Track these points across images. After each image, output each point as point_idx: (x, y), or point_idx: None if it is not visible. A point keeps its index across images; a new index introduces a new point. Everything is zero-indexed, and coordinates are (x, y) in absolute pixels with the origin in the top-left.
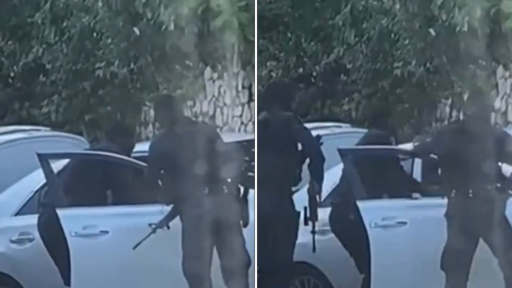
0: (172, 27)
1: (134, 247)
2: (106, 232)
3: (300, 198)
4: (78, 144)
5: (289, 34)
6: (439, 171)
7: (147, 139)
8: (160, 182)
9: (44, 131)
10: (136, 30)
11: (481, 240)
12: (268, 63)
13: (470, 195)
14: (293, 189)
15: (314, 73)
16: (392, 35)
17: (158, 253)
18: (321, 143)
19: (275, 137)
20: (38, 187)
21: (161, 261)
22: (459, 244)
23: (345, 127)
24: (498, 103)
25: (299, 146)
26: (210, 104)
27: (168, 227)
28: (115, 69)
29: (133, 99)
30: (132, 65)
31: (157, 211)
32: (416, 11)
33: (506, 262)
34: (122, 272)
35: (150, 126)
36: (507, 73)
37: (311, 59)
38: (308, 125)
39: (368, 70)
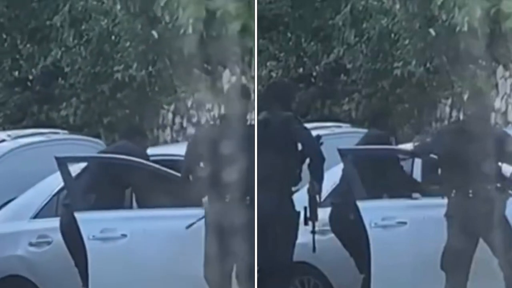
0: (190, 30)
1: (187, 227)
2: (125, 235)
3: (300, 198)
4: (96, 147)
5: (289, 34)
6: (439, 171)
7: (165, 142)
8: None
9: (63, 134)
10: (154, 33)
11: (481, 240)
12: (268, 63)
13: (470, 195)
14: (293, 189)
15: (314, 73)
16: (392, 35)
17: (176, 257)
18: (321, 143)
19: (275, 137)
20: (56, 190)
21: (179, 265)
22: (459, 244)
23: (345, 127)
24: (498, 103)
25: (299, 146)
26: None
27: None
28: (133, 72)
29: (151, 102)
30: (150, 68)
31: (176, 214)
32: (416, 11)
33: (506, 262)
34: (140, 275)
35: (168, 129)
36: (507, 73)
37: (311, 59)
38: (308, 125)
39: (368, 70)
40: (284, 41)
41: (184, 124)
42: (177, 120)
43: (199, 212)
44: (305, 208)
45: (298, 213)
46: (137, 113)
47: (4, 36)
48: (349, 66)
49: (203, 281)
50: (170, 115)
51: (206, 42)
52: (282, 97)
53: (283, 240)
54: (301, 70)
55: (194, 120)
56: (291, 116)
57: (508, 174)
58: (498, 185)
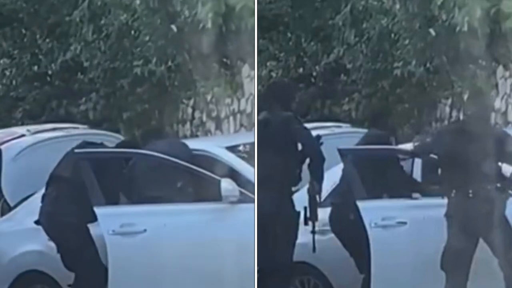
0: (210, 25)
1: None
2: (145, 230)
3: (300, 198)
4: (115, 142)
5: (289, 34)
6: (439, 171)
7: (185, 137)
8: None
9: (82, 129)
10: (173, 27)
11: (481, 240)
12: (268, 63)
13: (470, 195)
14: (293, 189)
15: (314, 73)
16: (392, 35)
17: (196, 252)
18: (321, 143)
19: (275, 137)
20: None
21: (198, 260)
22: (459, 244)
23: (345, 127)
24: (498, 103)
25: (299, 146)
26: (248, 102)
27: None
28: (153, 67)
29: (170, 97)
30: (169, 63)
31: (195, 209)
32: (416, 11)
33: (506, 262)
34: (159, 270)
35: (188, 124)
36: (507, 73)
37: (311, 59)
38: (308, 125)
39: (368, 70)
40: (284, 41)
41: (204, 119)
42: (197, 114)
43: (218, 206)
44: (305, 208)
45: (298, 213)
46: (157, 108)
47: (24, 31)
48: (349, 66)
49: (222, 276)
50: (189, 110)
51: (226, 36)
52: (282, 97)
53: (283, 240)
54: (301, 70)
55: (214, 114)
56: (291, 116)
57: (508, 174)
58: (498, 185)
